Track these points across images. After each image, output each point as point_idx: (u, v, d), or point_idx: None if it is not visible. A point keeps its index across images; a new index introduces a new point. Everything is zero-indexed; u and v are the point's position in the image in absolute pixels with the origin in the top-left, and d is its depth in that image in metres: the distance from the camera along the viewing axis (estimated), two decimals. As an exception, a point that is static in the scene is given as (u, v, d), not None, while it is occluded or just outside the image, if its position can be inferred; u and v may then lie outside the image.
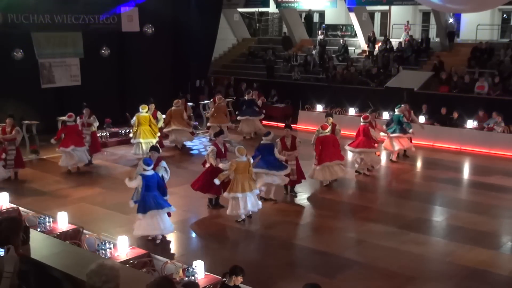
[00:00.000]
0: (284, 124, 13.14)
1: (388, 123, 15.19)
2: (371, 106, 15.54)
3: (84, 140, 14.26)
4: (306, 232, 10.52)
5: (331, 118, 13.37)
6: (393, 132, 14.91)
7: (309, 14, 25.83)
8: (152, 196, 9.32)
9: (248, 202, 10.38)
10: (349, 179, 13.94)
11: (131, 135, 15.74)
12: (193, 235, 10.46)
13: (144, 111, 15.07)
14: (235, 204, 10.41)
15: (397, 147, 15.07)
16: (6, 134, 13.02)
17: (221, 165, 10.76)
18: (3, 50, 16.98)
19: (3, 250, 4.49)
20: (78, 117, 14.51)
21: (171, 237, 10.05)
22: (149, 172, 9.36)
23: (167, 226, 9.56)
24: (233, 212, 10.49)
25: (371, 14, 25.85)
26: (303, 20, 27.36)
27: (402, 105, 15.25)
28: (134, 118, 15.13)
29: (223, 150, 11.15)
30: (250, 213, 10.73)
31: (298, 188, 12.49)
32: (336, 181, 13.10)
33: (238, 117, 18.42)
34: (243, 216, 10.58)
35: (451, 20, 21.92)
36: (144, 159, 9.61)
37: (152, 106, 15.65)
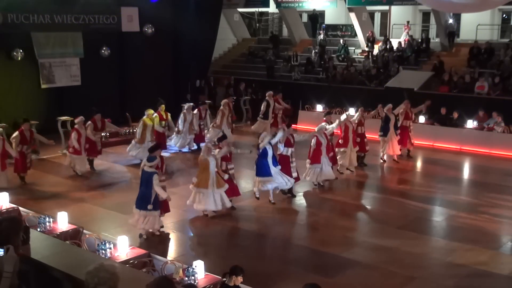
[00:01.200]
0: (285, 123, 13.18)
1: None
2: (360, 104, 15.58)
3: (96, 145, 14.16)
4: (306, 232, 10.52)
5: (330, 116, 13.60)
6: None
7: (313, 14, 25.81)
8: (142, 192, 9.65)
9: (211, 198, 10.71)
10: (349, 179, 13.95)
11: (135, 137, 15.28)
12: (193, 235, 10.46)
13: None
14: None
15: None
16: (27, 139, 12.84)
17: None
18: (3, 50, 17.00)
19: (2, 250, 4.49)
20: (89, 121, 14.19)
21: (171, 237, 10.07)
22: (148, 168, 9.52)
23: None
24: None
25: (371, 14, 25.85)
26: (304, 20, 27.37)
27: (390, 105, 15.14)
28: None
29: (228, 154, 11.29)
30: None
31: (298, 188, 12.49)
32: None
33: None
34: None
35: (451, 21, 21.93)
36: (148, 156, 9.78)
37: (162, 107, 15.48)
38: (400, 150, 15.53)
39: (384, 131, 15.03)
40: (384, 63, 21.53)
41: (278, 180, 11.50)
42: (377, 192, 13.02)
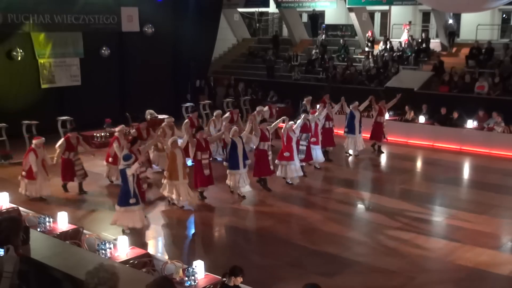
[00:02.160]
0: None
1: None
2: (328, 100, 15.80)
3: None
4: (306, 232, 10.50)
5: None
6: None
7: (313, 14, 25.81)
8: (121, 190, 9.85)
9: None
10: (348, 179, 13.95)
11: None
12: (193, 235, 10.46)
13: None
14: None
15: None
16: (73, 146, 12.27)
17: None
18: (3, 50, 17.00)
19: (2, 250, 4.49)
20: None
21: (171, 237, 10.07)
22: (122, 166, 9.68)
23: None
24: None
25: (371, 14, 25.85)
26: (304, 20, 27.38)
27: (357, 102, 15.62)
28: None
29: (203, 144, 11.68)
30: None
31: (300, 186, 12.51)
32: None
33: None
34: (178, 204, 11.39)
35: (451, 21, 21.93)
36: (124, 155, 9.89)
37: (195, 114, 15.09)
38: (374, 145, 16.25)
39: (350, 128, 15.45)
40: (384, 63, 21.54)
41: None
42: (377, 192, 13.02)
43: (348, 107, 15.72)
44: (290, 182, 13.03)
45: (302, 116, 13.61)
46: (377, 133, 16.07)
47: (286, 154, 12.70)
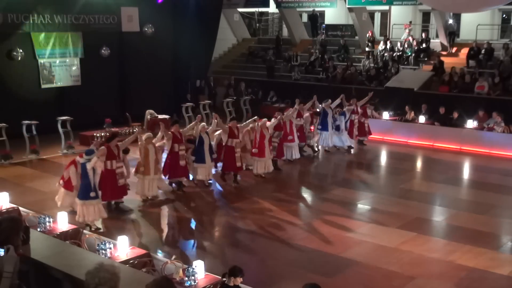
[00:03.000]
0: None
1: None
2: (299, 98, 15.96)
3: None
4: (306, 232, 10.50)
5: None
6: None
7: (313, 14, 25.82)
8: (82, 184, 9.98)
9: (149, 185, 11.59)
10: (348, 179, 13.95)
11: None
12: (193, 235, 10.47)
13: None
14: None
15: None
16: (114, 154, 11.14)
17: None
18: (3, 50, 17.01)
19: (2, 250, 4.49)
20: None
21: (171, 237, 10.06)
22: (84, 160, 9.88)
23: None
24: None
25: (371, 14, 25.87)
26: (304, 20, 27.39)
27: (329, 100, 16.06)
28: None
29: (179, 136, 12.13)
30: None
31: (299, 186, 12.50)
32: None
33: None
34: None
35: (451, 21, 21.94)
36: (87, 150, 10.16)
37: (234, 123, 13.20)
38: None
39: (323, 125, 15.90)
40: (384, 63, 21.54)
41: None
42: (376, 192, 13.02)
43: (320, 104, 16.18)
44: (263, 176, 13.50)
45: (278, 116, 14.15)
46: (350, 131, 16.61)
47: (255, 150, 13.27)
